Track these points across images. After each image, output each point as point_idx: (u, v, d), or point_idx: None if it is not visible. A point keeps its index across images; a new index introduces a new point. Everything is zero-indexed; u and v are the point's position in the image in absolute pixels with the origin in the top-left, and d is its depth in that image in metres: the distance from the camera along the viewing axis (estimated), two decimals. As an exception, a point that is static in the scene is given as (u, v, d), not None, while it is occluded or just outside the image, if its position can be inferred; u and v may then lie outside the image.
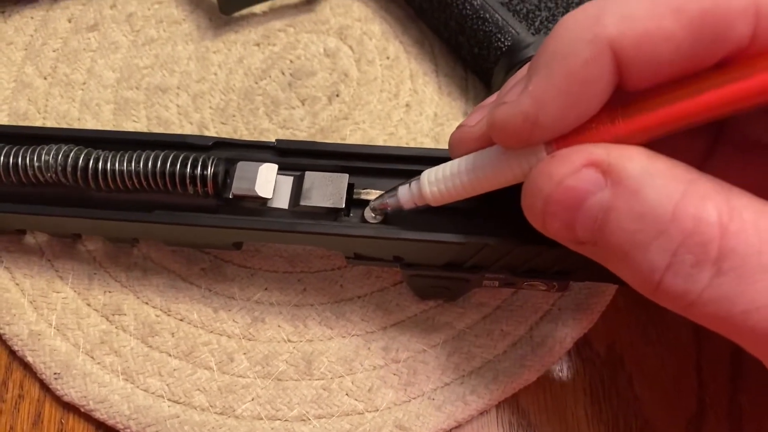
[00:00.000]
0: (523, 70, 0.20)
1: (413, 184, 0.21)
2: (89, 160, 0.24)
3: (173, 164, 0.24)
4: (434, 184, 0.21)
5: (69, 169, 0.24)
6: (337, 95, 0.32)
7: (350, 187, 0.24)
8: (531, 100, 0.17)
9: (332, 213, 0.24)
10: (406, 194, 0.22)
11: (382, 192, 0.23)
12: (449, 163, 0.20)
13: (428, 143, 0.31)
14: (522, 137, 0.17)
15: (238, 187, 0.24)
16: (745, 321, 0.15)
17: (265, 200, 0.24)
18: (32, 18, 0.34)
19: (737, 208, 0.15)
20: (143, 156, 0.24)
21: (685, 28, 0.15)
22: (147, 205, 0.24)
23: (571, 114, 0.17)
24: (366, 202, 0.24)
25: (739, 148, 0.21)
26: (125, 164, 0.24)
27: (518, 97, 0.17)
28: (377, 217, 0.23)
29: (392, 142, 0.31)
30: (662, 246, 0.16)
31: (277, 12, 0.34)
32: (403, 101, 0.32)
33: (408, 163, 0.24)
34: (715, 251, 0.15)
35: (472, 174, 0.20)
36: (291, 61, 0.33)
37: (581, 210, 0.17)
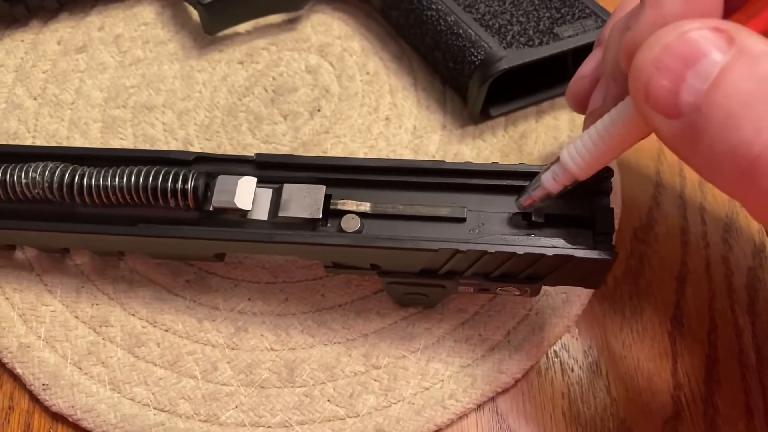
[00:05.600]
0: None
1: (555, 167, 0.22)
2: (75, 176, 0.25)
3: (155, 179, 0.24)
4: (577, 158, 0.21)
5: (55, 185, 0.25)
6: (319, 110, 0.33)
7: (327, 198, 0.25)
8: (651, 8, 0.18)
9: (310, 223, 0.25)
10: (550, 180, 0.22)
11: (522, 191, 0.24)
12: (583, 133, 0.21)
13: (408, 155, 0.32)
14: None
15: (218, 200, 0.24)
16: None
17: (244, 212, 0.25)
18: (22, 41, 0.35)
19: None
20: (126, 171, 0.25)
21: None
22: (131, 219, 0.25)
23: (693, 8, 0.18)
24: (342, 212, 0.25)
25: None
26: (109, 180, 0.25)
27: (636, 17, 0.19)
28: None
29: (372, 155, 0.32)
30: None
31: (260, 31, 0.35)
32: (383, 115, 0.33)
33: (382, 174, 0.25)
34: None
35: (613, 130, 0.20)
36: (273, 78, 0.34)
37: (696, 66, 0.17)
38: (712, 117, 0.17)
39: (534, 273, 0.24)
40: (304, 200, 0.25)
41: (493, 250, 0.23)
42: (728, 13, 0.19)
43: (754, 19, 0.18)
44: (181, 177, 0.24)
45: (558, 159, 0.22)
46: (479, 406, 0.27)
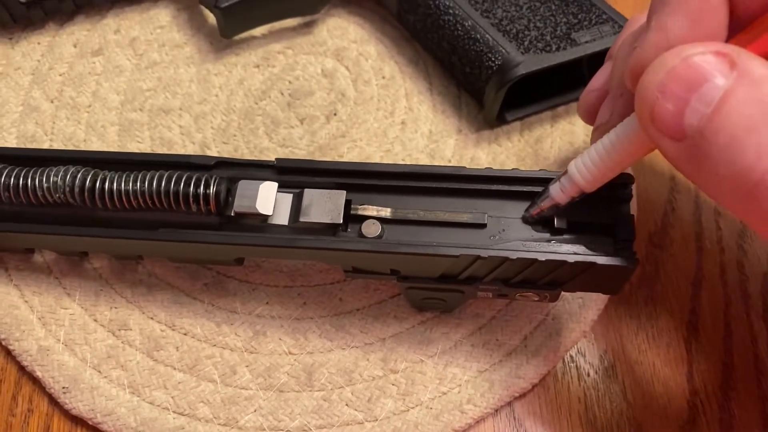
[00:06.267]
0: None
1: (563, 179, 0.23)
2: (96, 180, 0.25)
3: (177, 184, 0.24)
4: (584, 171, 0.22)
5: (77, 189, 0.25)
6: (335, 114, 0.33)
7: (348, 203, 0.25)
8: (656, 31, 0.19)
9: (330, 228, 0.25)
10: (558, 192, 0.23)
11: (531, 201, 0.24)
12: (591, 147, 0.22)
13: (423, 159, 0.32)
14: None
15: (239, 204, 0.25)
16: None
17: (265, 217, 0.25)
18: (39, 44, 0.35)
19: None
20: (148, 176, 0.25)
21: None
22: (152, 223, 0.25)
23: (697, 32, 0.19)
24: (362, 218, 0.25)
25: None
26: (131, 184, 0.25)
27: (642, 38, 0.19)
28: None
29: (388, 159, 0.32)
30: None
31: (276, 35, 0.36)
32: (399, 119, 0.33)
33: (402, 180, 0.25)
34: None
35: (618, 146, 0.21)
36: (290, 82, 0.34)
37: (699, 91, 0.17)
38: (716, 140, 0.17)
39: (554, 279, 0.24)
40: (324, 205, 0.25)
41: (515, 257, 0.23)
42: (730, 35, 0.19)
43: (756, 41, 0.18)
44: (203, 182, 0.24)
45: (566, 171, 0.23)
46: (496, 410, 0.27)
